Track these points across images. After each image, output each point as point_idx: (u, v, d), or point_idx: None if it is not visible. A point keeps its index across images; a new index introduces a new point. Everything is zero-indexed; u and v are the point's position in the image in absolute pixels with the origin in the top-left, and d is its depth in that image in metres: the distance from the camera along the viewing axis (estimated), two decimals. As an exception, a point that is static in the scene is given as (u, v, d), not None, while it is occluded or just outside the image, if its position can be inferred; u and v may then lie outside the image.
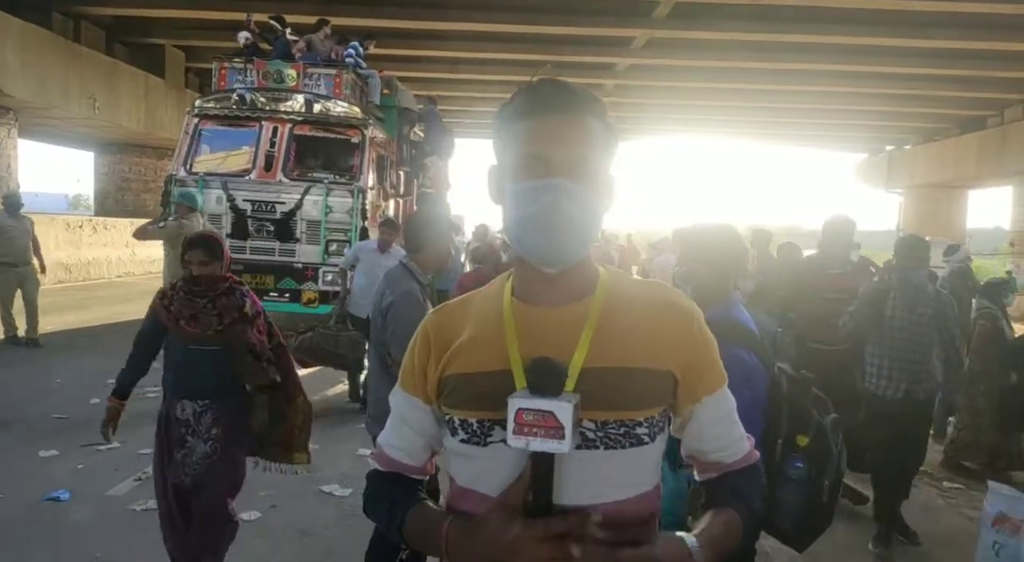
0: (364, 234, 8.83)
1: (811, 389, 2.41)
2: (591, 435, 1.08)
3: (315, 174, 9.42)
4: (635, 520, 1.11)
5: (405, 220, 6.88)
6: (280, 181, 9.12)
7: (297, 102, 9.52)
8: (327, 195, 9.07)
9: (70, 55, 14.47)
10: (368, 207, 9.28)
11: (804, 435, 2.30)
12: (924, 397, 4.14)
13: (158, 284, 4.90)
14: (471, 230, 11.47)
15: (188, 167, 9.26)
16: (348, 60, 10.50)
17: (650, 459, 1.14)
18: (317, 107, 9.51)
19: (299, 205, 9.05)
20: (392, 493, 1.24)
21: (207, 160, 9.54)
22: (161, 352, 3.12)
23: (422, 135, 12.64)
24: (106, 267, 16.74)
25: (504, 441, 1.04)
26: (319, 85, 9.87)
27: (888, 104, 19.01)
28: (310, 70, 9.97)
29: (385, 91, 11.28)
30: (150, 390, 4.24)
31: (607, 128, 1.13)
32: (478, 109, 22.39)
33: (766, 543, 2.91)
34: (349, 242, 8.72)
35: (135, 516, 4.04)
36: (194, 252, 2.97)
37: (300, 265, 9.09)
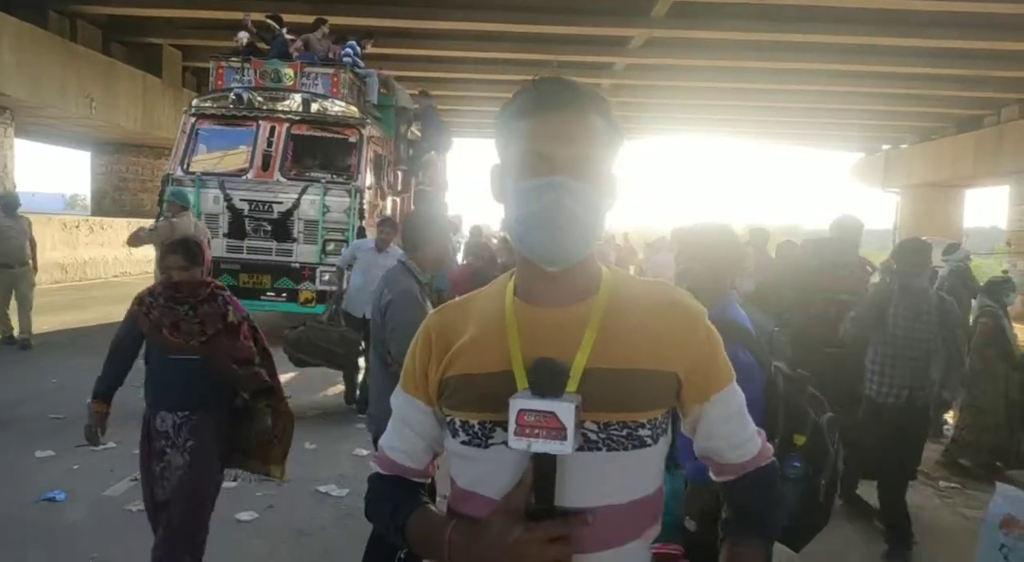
0: (362, 233, 8.82)
1: (807, 388, 2.41)
2: (593, 436, 1.07)
3: (312, 174, 9.42)
4: (638, 523, 1.11)
5: (403, 219, 6.87)
6: (277, 181, 9.11)
7: (294, 101, 9.51)
8: (324, 195, 9.06)
9: (67, 54, 14.44)
10: (366, 206, 9.28)
11: (801, 434, 2.30)
12: (923, 403, 4.10)
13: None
14: (468, 230, 11.49)
15: (185, 167, 9.24)
16: (346, 59, 10.50)
17: (653, 461, 1.13)
18: (315, 106, 9.50)
19: (296, 205, 9.04)
20: (394, 496, 1.22)
21: (204, 160, 9.53)
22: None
23: (419, 134, 12.63)
24: (103, 267, 16.71)
25: (506, 443, 1.03)
26: (316, 84, 9.87)
27: (885, 103, 19.03)
28: (307, 69, 9.97)
29: (383, 90, 11.27)
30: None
31: (610, 126, 1.12)
32: (476, 108, 22.38)
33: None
34: (346, 242, 8.71)
35: (131, 516, 4.03)
36: (173, 257, 2.87)
37: (297, 265, 9.08)
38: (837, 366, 4.44)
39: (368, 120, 9.82)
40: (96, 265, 16.49)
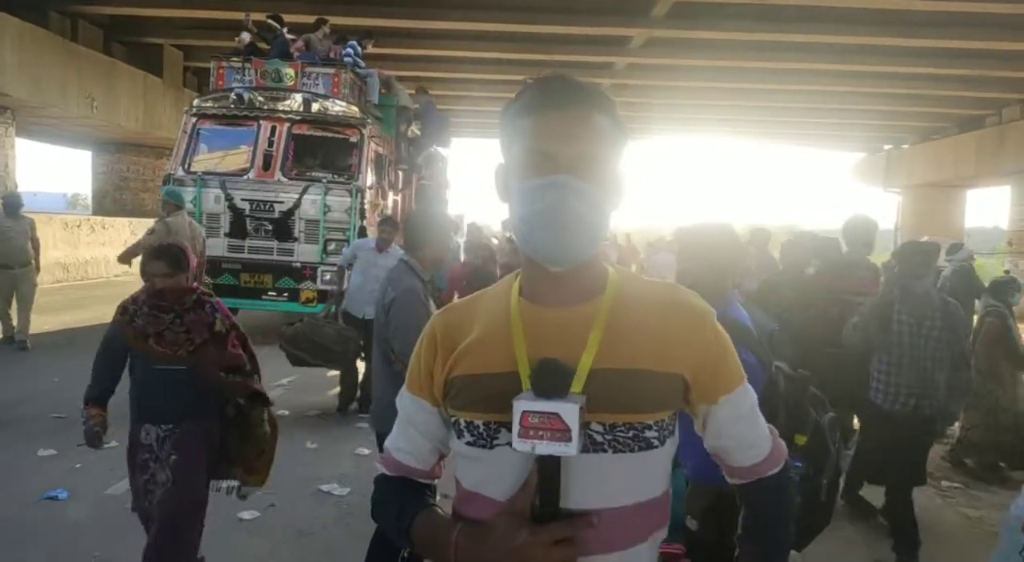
0: (363, 233, 8.82)
1: (809, 388, 2.41)
2: (599, 438, 1.06)
3: (313, 173, 9.43)
4: (644, 526, 1.10)
5: (404, 219, 6.85)
6: (278, 180, 9.11)
7: (295, 101, 9.51)
8: (325, 194, 9.07)
9: (68, 54, 14.45)
10: (367, 206, 9.28)
11: (802, 434, 2.30)
12: (930, 413, 3.98)
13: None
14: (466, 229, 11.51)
15: (186, 166, 9.25)
16: (346, 59, 10.50)
17: (659, 463, 1.12)
18: (315, 106, 9.50)
19: (297, 204, 9.05)
20: (400, 497, 1.22)
21: (205, 159, 9.54)
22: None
23: (419, 132, 12.63)
24: (104, 266, 16.71)
25: (511, 444, 1.03)
26: (317, 84, 9.87)
27: (886, 103, 19.01)
28: (308, 69, 9.98)
29: (383, 90, 11.27)
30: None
31: (615, 124, 1.11)
32: (476, 108, 22.35)
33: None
34: (347, 241, 8.72)
35: (133, 515, 4.00)
36: (156, 264, 2.75)
37: (298, 264, 9.09)
38: (837, 366, 4.42)
39: (369, 120, 9.82)
40: (97, 264, 16.50)
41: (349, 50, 10.65)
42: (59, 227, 15.34)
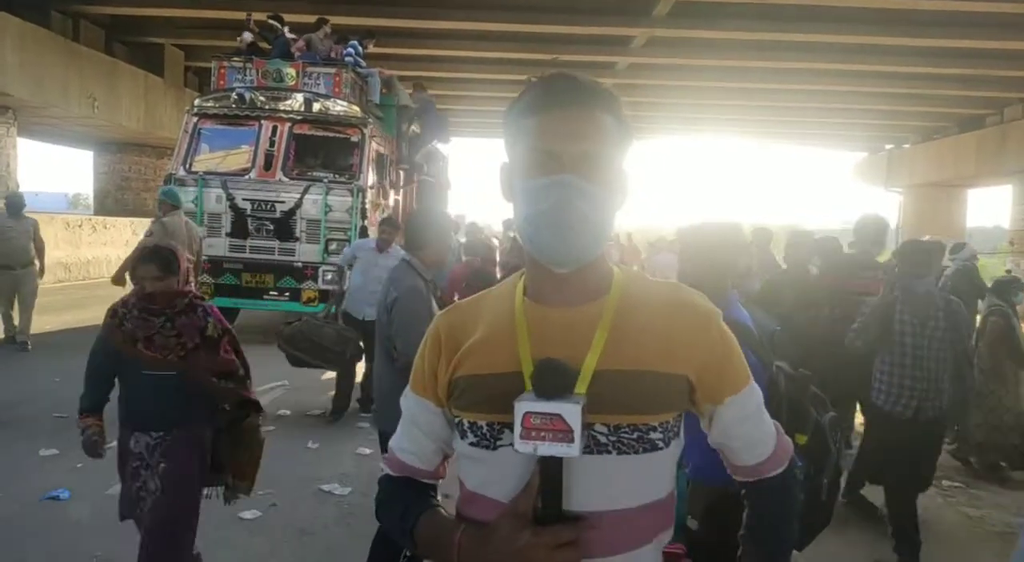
0: (364, 233, 8.83)
1: (809, 387, 2.41)
2: (603, 439, 1.06)
3: (315, 173, 9.44)
4: (648, 528, 1.10)
5: (406, 218, 6.83)
6: (280, 180, 9.12)
7: (297, 101, 9.52)
8: (327, 194, 9.08)
9: (69, 54, 14.47)
10: (368, 206, 9.29)
11: (803, 434, 2.30)
12: (934, 415, 3.92)
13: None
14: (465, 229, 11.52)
15: (187, 166, 9.26)
16: (348, 59, 10.50)
17: (664, 465, 1.11)
18: (317, 106, 9.51)
19: (299, 204, 9.06)
20: (404, 498, 1.21)
21: (207, 159, 9.54)
22: None
23: (418, 131, 12.64)
24: (105, 266, 16.72)
25: (513, 444, 1.02)
26: (319, 84, 9.88)
27: (888, 103, 19.01)
28: (309, 69, 9.98)
29: (384, 90, 11.28)
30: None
31: (620, 123, 1.10)
32: (477, 108, 22.38)
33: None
34: (349, 241, 8.71)
35: (135, 515, 4.04)
36: (147, 267, 2.64)
37: (300, 264, 9.10)
38: (838, 366, 4.41)
39: (370, 120, 9.82)
40: (99, 264, 16.52)
41: (350, 50, 10.66)
42: (61, 227, 15.36)
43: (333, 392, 6.38)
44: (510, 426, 1.03)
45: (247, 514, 4.05)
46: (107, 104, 15.73)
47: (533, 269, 1.13)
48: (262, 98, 9.53)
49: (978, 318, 6.06)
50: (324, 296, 8.73)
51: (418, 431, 1.21)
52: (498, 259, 7.69)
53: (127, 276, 5.74)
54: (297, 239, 9.10)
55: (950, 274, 7.26)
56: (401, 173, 11.60)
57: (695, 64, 16.24)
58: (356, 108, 9.80)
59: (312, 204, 9.07)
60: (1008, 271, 10.17)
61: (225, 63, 10.16)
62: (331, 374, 6.58)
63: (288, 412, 6.33)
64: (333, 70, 10.02)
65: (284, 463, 4.95)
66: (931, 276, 4.04)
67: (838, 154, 48.27)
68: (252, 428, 2.86)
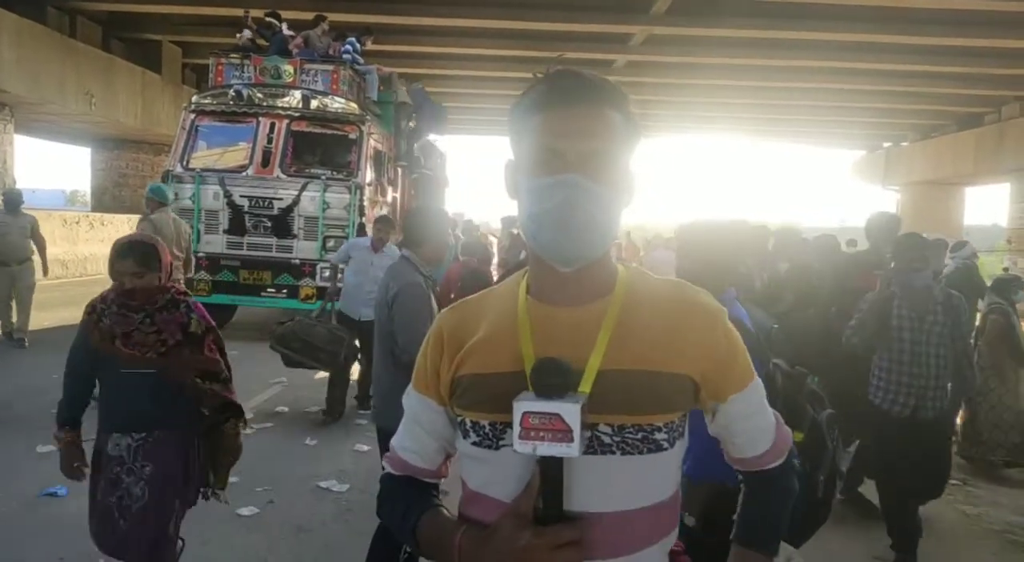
0: (362, 230, 8.82)
1: (806, 385, 2.41)
2: (607, 440, 1.04)
3: (312, 170, 9.44)
4: (652, 530, 1.09)
5: (404, 215, 6.81)
6: (277, 177, 9.11)
7: (294, 98, 9.51)
8: (324, 191, 9.07)
9: (66, 50, 14.43)
10: (366, 203, 9.28)
11: (799, 430, 2.30)
12: (933, 416, 3.82)
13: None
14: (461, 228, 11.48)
15: (185, 163, 9.25)
16: (345, 56, 10.49)
17: (668, 465, 1.10)
18: (314, 103, 9.50)
19: (296, 201, 9.06)
20: (406, 497, 1.21)
21: (204, 156, 9.54)
22: None
23: (412, 125, 12.59)
24: (103, 263, 16.52)
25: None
26: (316, 81, 9.87)
27: (886, 101, 19.02)
28: (307, 66, 9.96)
29: (382, 87, 11.26)
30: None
31: (628, 120, 1.08)
32: (475, 105, 22.35)
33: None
34: (346, 238, 8.70)
35: (132, 512, 4.03)
36: (124, 262, 2.49)
37: (297, 261, 9.10)
38: (834, 364, 4.40)
39: (368, 116, 9.82)
40: (96, 261, 16.48)
41: (348, 47, 10.64)
42: (58, 224, 15.33)
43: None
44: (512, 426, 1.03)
45: (245, 511, 4.05)
46: (104, 101, 15.69)
47: (537, 267, 1.12)
48: (260, 95, 9.51)
49: (978, 316, 6.07)
50: (322, 293, 8.68)
51: (420, 430, 1.20)
52: (496, 257, 7.67)
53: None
54: (295, 236, 9.09)
55: (949, 272, 7.27)
56: (399, 170, 11.60)
57: (693, 62, 16.25)
58: (354, 105, 9.80)
59: (310, 201, 9.07)
60: (1006, 269, 10.20)
61: (223, 60, 10.14)
62: (321, 375, 6.53)
63: (286, 409, 6.32)
64: (331, 67, 10.00)
65: (282, 460, 4.96)
66: (929, 270, 3.95)
67: (836, 152, 48.34)
68: (231, 433, 2.73)
